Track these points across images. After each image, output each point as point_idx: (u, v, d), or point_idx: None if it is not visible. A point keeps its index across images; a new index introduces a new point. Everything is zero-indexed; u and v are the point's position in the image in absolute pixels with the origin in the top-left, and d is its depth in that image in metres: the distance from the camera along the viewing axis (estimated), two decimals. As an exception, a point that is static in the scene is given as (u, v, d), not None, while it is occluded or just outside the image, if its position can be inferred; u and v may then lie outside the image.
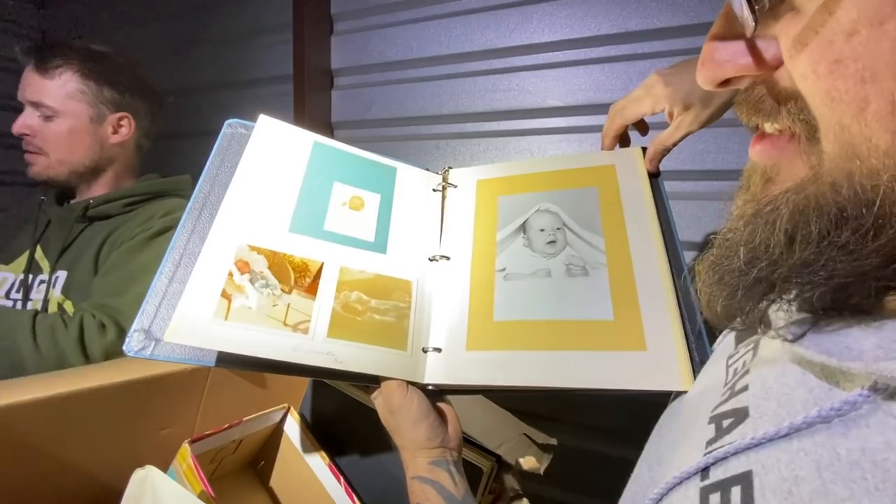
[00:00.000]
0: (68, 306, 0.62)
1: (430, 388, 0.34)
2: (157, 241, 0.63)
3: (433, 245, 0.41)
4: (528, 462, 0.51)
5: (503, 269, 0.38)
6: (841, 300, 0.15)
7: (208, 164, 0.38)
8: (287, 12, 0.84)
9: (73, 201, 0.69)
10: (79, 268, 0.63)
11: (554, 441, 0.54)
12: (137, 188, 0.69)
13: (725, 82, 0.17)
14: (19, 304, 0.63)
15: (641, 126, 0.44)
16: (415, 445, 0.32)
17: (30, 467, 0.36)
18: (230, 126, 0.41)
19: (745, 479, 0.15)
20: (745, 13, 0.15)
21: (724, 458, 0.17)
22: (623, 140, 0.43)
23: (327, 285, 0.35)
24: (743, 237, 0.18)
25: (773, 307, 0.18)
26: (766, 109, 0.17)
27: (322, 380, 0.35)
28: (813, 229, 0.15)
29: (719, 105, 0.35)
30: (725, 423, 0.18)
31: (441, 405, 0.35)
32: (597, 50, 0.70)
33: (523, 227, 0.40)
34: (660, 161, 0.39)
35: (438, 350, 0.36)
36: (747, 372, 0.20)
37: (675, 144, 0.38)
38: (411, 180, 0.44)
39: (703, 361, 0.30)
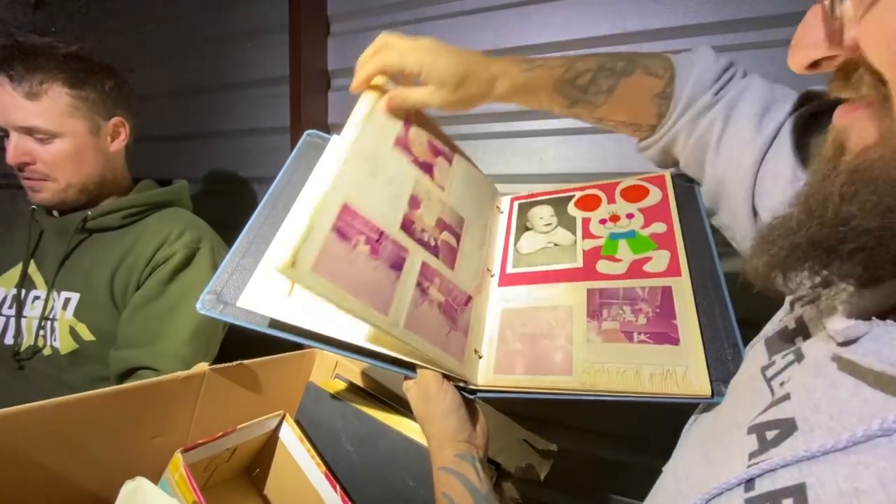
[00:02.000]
0: (82, 329, 0.60)
1: (459, 385, 0.36)
2: (185, 273, 0.61)
3: (489, 258, 0.45)
4: (528, 469, 0.50)
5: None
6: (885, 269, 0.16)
7: (287, 164, 0.43)
8: (283, 13, 0.83)
9: (71, 213, 0.65)
10: (91, 290, 0.60)
11: (554, 447, 0.54)
12: (136, 200, 0.65)
13: (814, 65, 0.19)
14: (13, 321, 0.60)
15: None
16: (443, 435, 0.33)
17: (19, 477, 0.36)
18: (309, 135, 0.45)
19: (798, 492, 0.15)
20: None
21: (772, 470, 0.16)
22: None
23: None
24: (802, 199, 0.19)
25: (823, 301, 0.18)
26: (855, 82, 0.18)
27: (360, 359, 0.36)
28: (866, 189, 0.16)
29: (463, 96, 0.36)
30: (770, 434, 0.18)
31: (471, 405, 0.36)
32: (595, 50, 0.70)
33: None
34: (394, 109, 0.38)
35: (479, 355, 0.38)
36: (789, 380, 0.20)
37: (413, 107, 0.38)
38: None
39: (736, 372, 0.30)
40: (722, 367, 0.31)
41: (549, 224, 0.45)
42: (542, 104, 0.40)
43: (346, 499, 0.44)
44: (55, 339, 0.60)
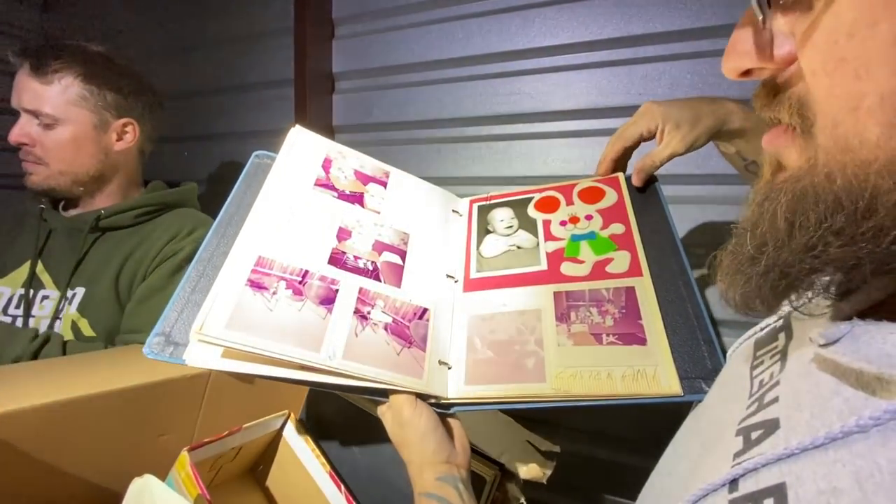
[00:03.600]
0: (83, 325, 0.60)
1: (431, 401, 0.35)
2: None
3: (450, 264, 0.44)
4: (531, 470, 0.50)
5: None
6: (851, 285, 0.16)
7: (235, 188, 0.41)
8: (289, 16, 0.84)
9: (81, 212, 0.66)
10: (96, 285, 0.61)
11: (557, 448, 0.54)
12: (148, 199, 0.67)
13: (746, 73, 0.19)
14: (19, 321, 0.60)
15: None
16: (422, 459, 0.32)
17: (29, 474, 0.36)
18: (257, 157, 0.44)
19: (778, 491, 0.15)
20: (756, 7, 0.17)
21: (754, 470, 0.16)
22: (621, 168, 0.46)
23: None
24: (750, 224, 0.19)
25: (806, 306, 0.19)
26: (773, 103, 0.18)
27: (330, 391, 0.35)
28: (811, 216, 0.16)
29: (703, 130, 0.39)
30: (754, 434, 0.18)
31: (449, 420, 0.35)
32: (598, 54, 0.70)
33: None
34: (647, 176, 0.43)
35: (448, 366, 0.37)
36: (777, 384, 0.20)
37: (662, 162, 0.41)
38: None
39: (715, 369, 0.30)
40: (699, 365, 0.31)
41: (511, 227, 0.45)
42: (754, 150, 0.41)
43: (351, 499, 0.44)
44: None
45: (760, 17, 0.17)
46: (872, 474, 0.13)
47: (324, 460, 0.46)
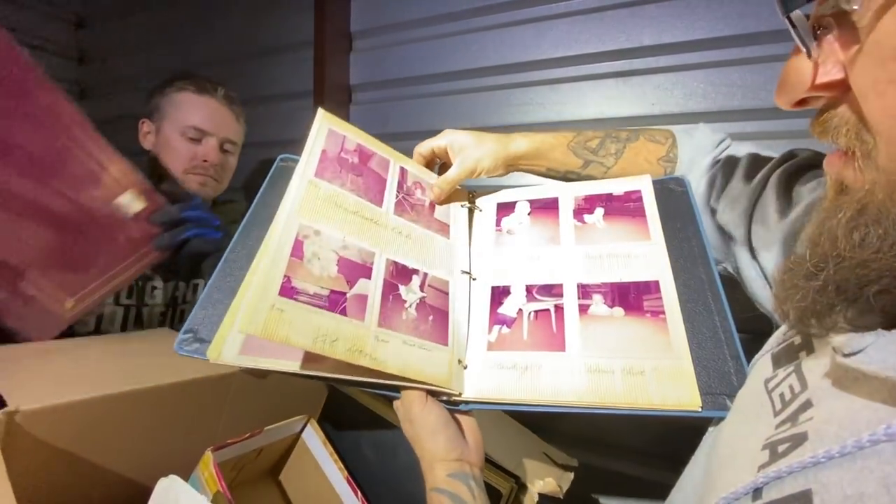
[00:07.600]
0: None
1: (442, 399, 0.34)
2: None
3: (465, 259, 0.44)
4: (548, 483, 0.50)
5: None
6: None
7: (261, 191, 0.43)
8: (309, 31, 0.87)
9: None
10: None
11: (575, 462, 0.53)
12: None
13: (801, 102, 0.20)
14: (133, 310, 0.67)
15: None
16: (432, 456, 0.32)
17: (61, 469, 0.37)
18: (282, 160, 0.46)
19: (803, 498, 0.15)
20: (799, 42, 0.18)
21: (778, 478, 0.16)
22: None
23: None
24: (810, 241, 0.19)
25: (838, 322, 0.18)
26: (831, 129, 0.19)
27: (347, 386, 0.35)
28: (872, 232, 0.16)
29: (487, 151, 0.44)
30: (781, 448, 0.18)
31: (462, 418, 0.35)
32: (611, 64, 0.71)
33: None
34: (443, 195, 0.45)
35: (464, 365, 0.36)
36: (808, 404, 0.20)
37: (455, 181, 0.44)
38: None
39: (740, 385, 0.29)
40: (725, 380, 0.29)
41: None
42: (557, 162, 0.45)
43: None
44: None
45: (805, 51, 0.18)
46: None
47: (341, 465, 0.46)
